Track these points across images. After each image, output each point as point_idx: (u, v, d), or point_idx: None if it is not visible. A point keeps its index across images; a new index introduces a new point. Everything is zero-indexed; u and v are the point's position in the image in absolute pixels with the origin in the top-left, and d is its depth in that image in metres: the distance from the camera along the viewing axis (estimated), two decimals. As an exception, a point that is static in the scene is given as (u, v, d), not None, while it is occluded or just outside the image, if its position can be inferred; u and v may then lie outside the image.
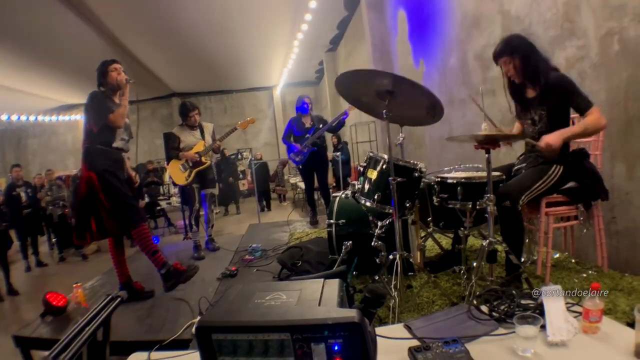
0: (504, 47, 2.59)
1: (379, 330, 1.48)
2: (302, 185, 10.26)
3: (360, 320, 1.06)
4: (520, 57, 2.54)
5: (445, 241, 3.76)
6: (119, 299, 1.56)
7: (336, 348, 1.06)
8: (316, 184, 6.17)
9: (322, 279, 1.39)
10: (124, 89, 3.26)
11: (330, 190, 6.43)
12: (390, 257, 2.52)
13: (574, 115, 2.65)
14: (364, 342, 1.06)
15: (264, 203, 11.69)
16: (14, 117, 15.02)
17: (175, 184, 5.04)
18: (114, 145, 3.26)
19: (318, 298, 1.25)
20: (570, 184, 2.64)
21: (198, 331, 1.12)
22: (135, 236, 3.26)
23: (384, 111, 2.43)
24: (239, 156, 15.87)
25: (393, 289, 2.43)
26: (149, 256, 3.25)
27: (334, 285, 1.35)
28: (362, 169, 2.78)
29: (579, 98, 2.45)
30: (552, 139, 2.43)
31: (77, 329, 1.30)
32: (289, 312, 1.17)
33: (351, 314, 1.08)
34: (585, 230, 2.74)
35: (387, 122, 2.48)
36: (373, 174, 2.68)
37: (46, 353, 1.22)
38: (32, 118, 15.67)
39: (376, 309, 1.32)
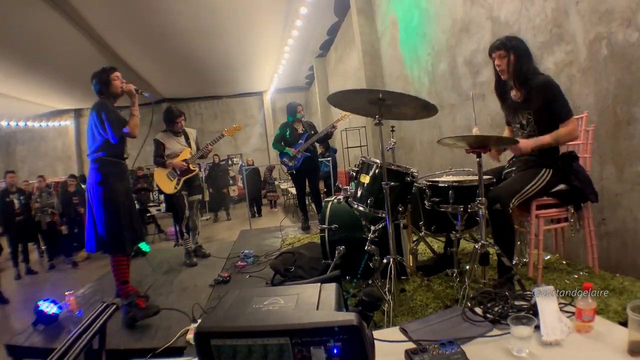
0: (505, 41, 2.64)
1: (375, 334, 1.49)
2: (293, 190, 10.26)
3: (359, 324, 1.06)
4: (515, 56, 2.60)
5: (437, 245, 3.77)
6: (114, 306, 1.55)
7: (335, 351, 1.07)
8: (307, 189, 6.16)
9: (318, 284, 1.39)
10: (132, 99, 3.19)
11: (322, 196, 6.43)
12: (384, 261, 2.53)
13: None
14: (362, 345, 1.06)
15: (255, 209, 11.65)
16: (3, 123, 14.91)
17: (160, 192, 4.76)
18: (125, 156, 3.27)
19: (316, 302, 1.25)
20: (560, 187, 2.68)
21: (197, 337, 1.12)
22: (112, 262, 3.11)
23: (377, 116, 2.45)
24: (230, 162, 15.82)
25: (387, 293, 2.44)
26: (118, 284, 3.11)
27: (330, 289, 1.34)
28: (354, 173, 2.79)
29: (560, 106, 2.52)
30: (524, 145, 2.56)
31: (74, 337, 1.28)
32: (288, 316, 1.17)
33: (350, 317, 1.08)
34: (575, 232, 2.78)
35: (379, 128, 2.50)
36: (366, 179, 2.68)
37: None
38: (21, 124, 15.55)
39: (373, 313, 1.33)
